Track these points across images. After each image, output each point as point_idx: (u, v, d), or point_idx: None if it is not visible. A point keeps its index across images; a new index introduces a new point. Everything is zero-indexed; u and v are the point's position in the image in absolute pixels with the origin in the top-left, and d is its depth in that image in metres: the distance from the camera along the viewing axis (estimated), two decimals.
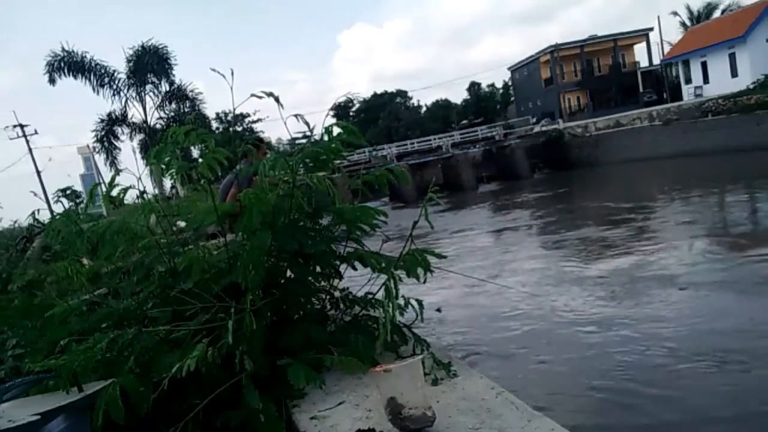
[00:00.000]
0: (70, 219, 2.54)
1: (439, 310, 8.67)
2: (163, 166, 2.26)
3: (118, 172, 2.39)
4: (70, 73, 25.31)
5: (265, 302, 2.14)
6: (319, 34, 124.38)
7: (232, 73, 2.31)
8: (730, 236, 12.17)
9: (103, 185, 2.43)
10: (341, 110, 60.38)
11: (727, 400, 5.25)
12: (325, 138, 2.47)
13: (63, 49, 24.82)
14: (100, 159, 27.74)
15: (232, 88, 2.32)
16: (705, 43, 34.93)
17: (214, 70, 2.30)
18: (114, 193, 2.39)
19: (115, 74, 26.26)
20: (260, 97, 2.20)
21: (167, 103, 27.77)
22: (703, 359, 6.11)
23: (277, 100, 2.25)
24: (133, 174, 2.47)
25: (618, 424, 5.31)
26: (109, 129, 27.53)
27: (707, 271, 9.42)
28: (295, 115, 2.42)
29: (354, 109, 61.47)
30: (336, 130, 2.49)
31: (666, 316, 7.58)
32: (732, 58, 32.72)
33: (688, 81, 37.05)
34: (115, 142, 27.71)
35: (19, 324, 2.55)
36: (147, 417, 1.87)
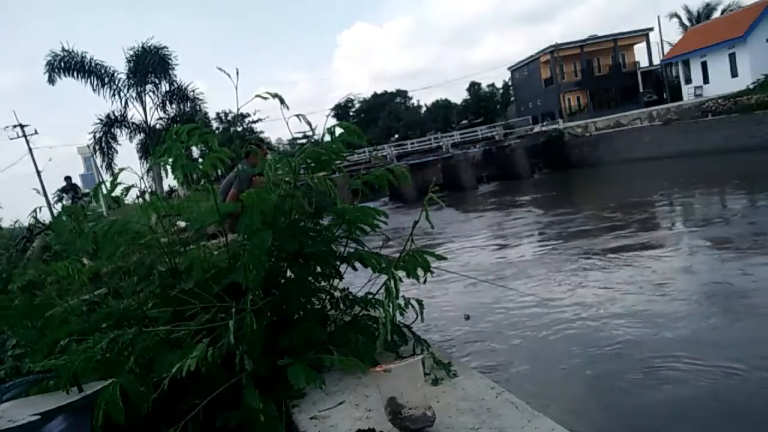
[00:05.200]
0: (76, 214, 2.54)
1: (467, 317, 8.64)
2: (169, 166, 2.26)
3: (120, 170, 2.37)
4: (70, 73, 25.29)
5: (265, 302, 2.14)
6: (319, 34, 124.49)
7: (237, 73, 2.31)
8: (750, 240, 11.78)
9: (105, 184, 2.42)
10: (341, 110, 60.33)
11: None
12: (327, 138, 2.47)
13: (63, 49, 24.81)
14: (98, 160, 27.69)
15: (236, 88, 2.33)
16: (705, 43, 34.94)
17: (220, 69, 2.31)
18: (116, 192, 2.39)
19: (115, 74, 26.24)
20: (265, 98, 2.20)
21: (168, 103, 27.74)
22: None
23: (282, 101, 2.25)
24: (135, 173, 2.47)
25: None
26: (107, 130, 27.49)
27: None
28: (298, 116, 2.43)
29: (354, 109, 61.45)
30: (338, 131, 2.49)
31: None
32: (732, 58, 32.74)
33: (688, 81, 37.07)
34: (113, 144, 27.67)
35: (19, 324, 2.55)
36: (147, 417, 1.87)
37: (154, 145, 26.15)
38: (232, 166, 4.24)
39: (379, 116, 57.45)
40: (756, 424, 5.05)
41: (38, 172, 32.64)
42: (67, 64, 25.00)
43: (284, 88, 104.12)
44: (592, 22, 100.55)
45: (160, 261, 2.52)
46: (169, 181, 22.36)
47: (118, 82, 26.44)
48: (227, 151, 2.27)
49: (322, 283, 2.53)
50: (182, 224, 2.86)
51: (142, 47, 26.21)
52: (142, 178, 2.49)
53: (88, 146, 28.20)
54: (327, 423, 1.80)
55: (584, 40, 46.20)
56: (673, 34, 55.80)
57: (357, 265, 2.45)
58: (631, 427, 5.37)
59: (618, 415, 5.55)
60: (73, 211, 2.63)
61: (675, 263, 10.56)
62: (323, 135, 2.48)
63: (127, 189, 2.40)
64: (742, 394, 5.45)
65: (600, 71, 47.43)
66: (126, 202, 2.75)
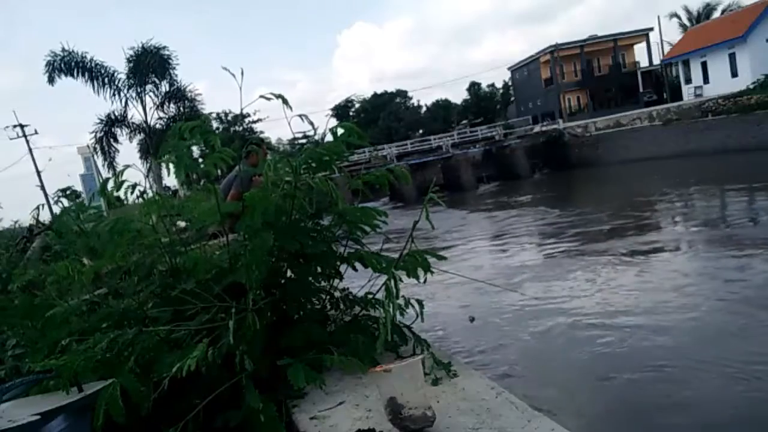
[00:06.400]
0: (81, 209, 2.55)
1: (472, 319, 8.59)
2: (173, 165, 2.25)
3: (125, 167, 2.36)
4: (70, 74, 25.31)
5: (265, 302, 2.14)
6: (319, 33, 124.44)
7: (242, 73, 2.32)
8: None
9: (109, 183, 2.41)
10: (341, 110, 60.42)
11: None
12: (329, 139, 2.47)
13: (63, 49, 24.84)
14: (98, 160, 27.74)
15: (240, 88, 2.33)
16: (705, 43, 34.96)
17: (225, 69, 2.31)
18: (120, 191, 2.38)
19: (115, 74, 26.27)
20: (269, 99, 2.20)
21: (167, 103, 27.77)
22: None
23: (285, 101, 2.25)
24: (140, 170, 2.47)
25: None
26: (107, 130, 27.52)
27: None
28: (300, 116, 2.43)
29: (354, 109, 61.49)
30: (340, 131, 2.48)
31: None
32: (732, 58, 32.75)
33: (688, 81, 37.08)
34: (113, 143, 27.72)
35: (19, 324, 2.55)
36: (147, 417, 1.87)
37: (154, 145, 26.18)
38: (232, 166, 4.24)
39: (379, 116, 57.49)
40: None
41: (38, 172, 32.72)
42: (67, 65, 25.02)
43: (284, 87, 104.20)
44: (592, 22, 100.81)
45: (160, 261, 2.52)
46: (170, 182, 22.38)
47: (118, 82, 26.48)
48: (230, 150, 2.27)
49: (323, 283, 2.53)
50: (182, 224, 2.86)
51: (142, 47, 26.26)
52: (147, 176, 2.49)
53: (88, 146, 28.22)
54: (327, 423, 1.80)
55: (584, 40, 46.21)
56: (673, 34, 55.93)
57: (357, 265, 2.45)
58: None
59: (626, 420, 5.49)
60: (80, 206, 2.64)
61: (689, 265, 10.39)
62: (324, 135, 2.49)
63: (133, 186, 2.39)
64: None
65: (600, 71, 47.45)
66: (127, 201, 2.75)
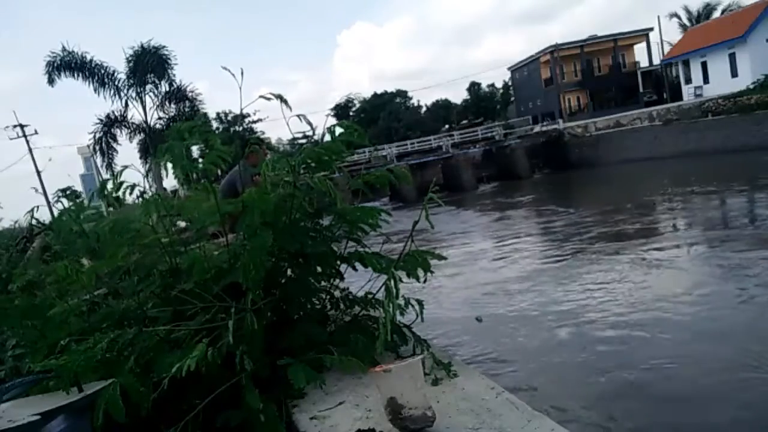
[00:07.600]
0: (76, 214, 2.55)
1: (479, 319, 8.56)
2: (170, 165, 2.26)
3: (123, 168, 2.37)
4: (71, 74, 25.31)
5: (265, 302, 2.14)
6: (319, 34, 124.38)
7: (242, 73, 2.32)
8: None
9: (108, 183, 2.42)
10: (341, 110, 60.37)
11: None
12: (327, 138, 2.47)
13: (63, 49, 24.84)
14: (98, 160, 27.72)
15: (240, 88, 2.34)
16: (705, 43, 34.96)
17: (225, 68, 2.32)
18: (119, 191, 2.38)
19: (115, 74, 26.27)
20: (268, 99, 2.21)
21: (167, 103, 27.76)
22: None
23: (285, 102, 2.25)
24: (138, 171, 2.47)
25: None
26: (107, 130, 27.49)
27: None
28: (299, 116, 2.43)
29: (354, 109, 61.43)
30: (338, 131, 2.48)
31: None
32: (732, 58, 32.75)
33: (688, 81, 37.08)
34: (113, 144, 27.68)
35: (19, 324, 2.55)
36: (147, 417, 1.87)
37: (154, 145, 26.16)
38: (232, 166, 4.25)
39: (379, 116, 57.39)
40: None
41: (38, 172, 32.72)
42: (67, 65, 25.01)
43: (284, 88, 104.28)
44: (592, 22, 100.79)
45: (160, 261, 2.52)
46: (170, 182, 22.37)
47: (118, 82, 26.47)
48: (227, 149, 2.27)
49: (323, 283, 2.53)
50: (182, 224, 2.86)
51: (142, 47, 26.25)
52: (146, 176, 2.49)
53: (88, 146, 28.21)
54: (327, 423, 1.80)
55: (584, 40, 46.20)
56: (673, 34, 55.86)
57: (357, 265, 2.45)
58: None
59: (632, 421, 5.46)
60: (76, 208, 2.64)
61: (704, 267, 10.27)
62: (323, 135, 2.48)
63: (132, 187, 2.39)
64: None
65: (600, 71, 47.44)
66: (126, 201, 2.75)
